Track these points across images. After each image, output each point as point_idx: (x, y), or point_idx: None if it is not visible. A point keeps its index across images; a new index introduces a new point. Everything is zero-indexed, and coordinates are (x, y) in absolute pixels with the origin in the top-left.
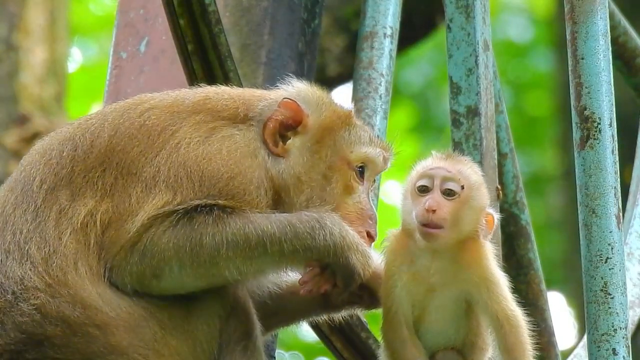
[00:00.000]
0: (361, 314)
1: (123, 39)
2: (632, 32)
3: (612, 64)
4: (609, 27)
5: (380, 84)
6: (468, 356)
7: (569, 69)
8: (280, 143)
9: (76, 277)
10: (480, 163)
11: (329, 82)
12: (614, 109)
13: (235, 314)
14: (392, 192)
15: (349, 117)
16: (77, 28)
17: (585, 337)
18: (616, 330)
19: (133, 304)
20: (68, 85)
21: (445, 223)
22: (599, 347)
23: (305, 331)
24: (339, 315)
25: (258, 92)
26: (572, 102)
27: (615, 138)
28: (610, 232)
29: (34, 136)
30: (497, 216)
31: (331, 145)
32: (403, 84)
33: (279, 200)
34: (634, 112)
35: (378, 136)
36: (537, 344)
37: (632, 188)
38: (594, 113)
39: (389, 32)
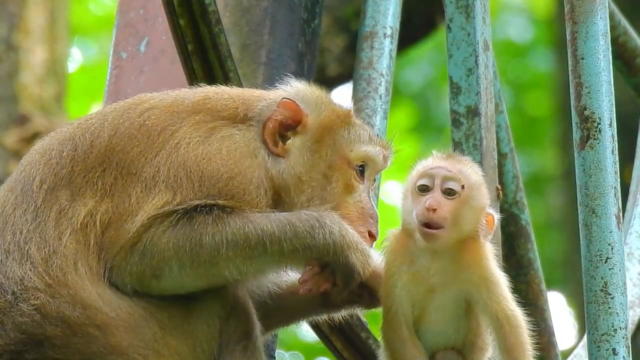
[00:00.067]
0: (361, 313)
1: (123, 39)
2: (632, 32)
3: (612, 64)
4: (609, 27)
5: (380, 84)
6: (468, 356)
7: (569, 69)
8: (280, 143)
9: (76, 277)
10: (480, 163)
11: (329, 82)
12: (614, 109)
13: (235, 314)
14: (392, 192)
15: (348, 116)
16: (77, 28)
17: (585, 337)
18: (616, 330)
19: (133, 304)
20: (68, 85)
21: (446, 222)
22: (599, 347)
23: (305, 331)
24: (339, 315)
25: (257, 92)
26: (572, 102)
27: (615, 138)
28: (610, 232)
29: (34, 136)
30: (497, 216)
31: (331, 145)
32: (403, 84)
33: (279, 200)
34: (634, 112)
35: (377, 135)
36: (537, 344)
37: (632, 188)
38: (594, 113)
39: (389, 32)
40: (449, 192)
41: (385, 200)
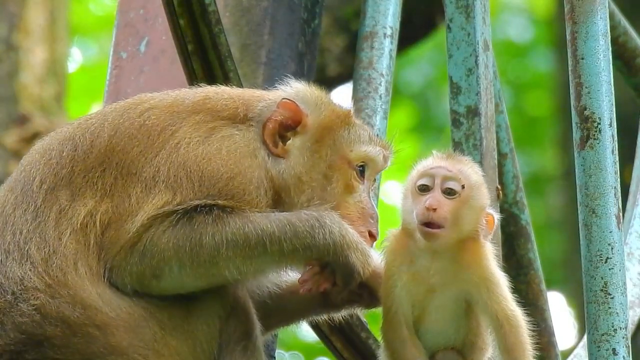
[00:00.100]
0: (361, 313)
1: (123, 39)
2: (632, 32)
3: (612, 64)
4: (609, 27)
5: (380, 84)
6: (468, 356)
7: (569, 69)
8: (280, 143)
9: (76, 277)
10: (480, 163)
11: (329, 82)
12: (614, 109)
13: (235, 314)
14: (392, 192)
15: (348, 116)
16: (77, 28)
17: (585, 337)
18: (616, 330)
19: (133, 304)
20: (68, 85)
21: (446, 222)
22: (599, 347)
23: (305, 331)
24: (339, 315)
25: (257, 93)
26: (572, 102)
27: (615, 138)
28: (610, 232)
29: (34, 136)
30: (497, 216)
31: (331, 145)
32: (403, 84)
33: (279, 201)
34: (634, 112)
35: (377, 135)
36: (537, 344)
37: (632, 188)
38: (594, 113)
39: (389, 32)
40: (449, 192)
41: (385, 200)
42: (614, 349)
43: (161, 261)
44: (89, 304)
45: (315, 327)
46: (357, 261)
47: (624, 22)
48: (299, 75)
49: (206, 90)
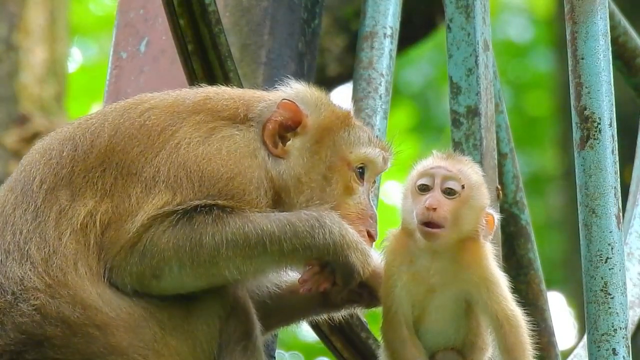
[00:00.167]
0: (361, 313)
1: (123, 39)
2: (632, 32)
3: (612, 64)
4: (609, 27)
5: (380, 84)
6: (468, 356)
7: (569, 69)
8: (280, 144)
9: (76, 277)
10: (480, 163)
11: (329, 82)
12: (614, 109)
13: (235, 314)
14: (392, 192)
15: (348, 117)
16: (77, 28)
17: (585, 337)
18: (616, 330)
19: (133, 304)
20: (68, 85)
21: (446, 222)
22: (599, 347)
23: (305, 331)
24: (339, 315)
25: (258, 93)
26: (572, 102)
27: (615, 138)
28: (610, 232)
29: (34, 136)
30: (497, 216)
31: (330, 146)
32: (403, 84)
33: (279, 201)
34: (634, 112)
35: (377, 136)
36: (537, 344)
37: (632, 188)
38: (594, 113)
39: (389, 32)
40: (449, 192)
41: (385, 200)
42: (614, 349)
43: (161, 261)
44: (89, 304)
45: (315, 327)
46: (357, 261)
47: (624, 22)
48: (299, 75)
49: (206, 91)
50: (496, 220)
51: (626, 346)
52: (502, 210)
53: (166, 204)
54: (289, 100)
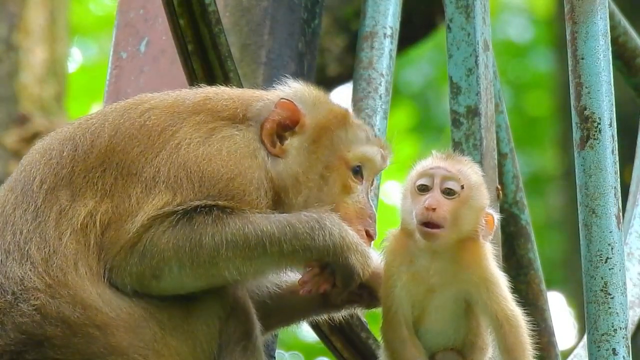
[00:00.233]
0: (361, 313)
1: (123, 39)
2: (632, 32)
3: (612, 64)
4: (609, 27)
5: (380, 84)
6: (468, 356)
7: (569, 69)
8: (278, 143)
9: (76, 277)
10: (480, 163)
11: (329, 82)
12: (614, 109)
13: (235, 315)
14: (392, 192)
15: (346, 116)
16: (77, 28)
17: (585, 337)
18: (616, 330)
19: (133, 304)
20: (68, 85)
21: (445, 222)
22: (599, 347)
23: (305, 331)
24: (339, 315)
25: (257, 93)
26: (572, 102)
27: (615, 138)
28: (610, 232)
29: (34, 136)
30: (497, 216)
31: (328, 145)
32: (403, 84)
33: (278, 201)
34: (634, 112)
35: (376, 135)
36: (537, 344)
37: (632, 188)
38: (594, 113)
39: (389, 32)
40: (448, 192)
41: (385, 200)
42: (614, 349)
43: (161, 261)
44: (89, 304)
45: (315, 327)
46: (357, 263)
47: (624, 22)
48: (299, 75)
49: (206, 91)
50: (496, 220)
51: (626, 346)
52: (502, 210)
53: (166, 205)
54: (286, 99)
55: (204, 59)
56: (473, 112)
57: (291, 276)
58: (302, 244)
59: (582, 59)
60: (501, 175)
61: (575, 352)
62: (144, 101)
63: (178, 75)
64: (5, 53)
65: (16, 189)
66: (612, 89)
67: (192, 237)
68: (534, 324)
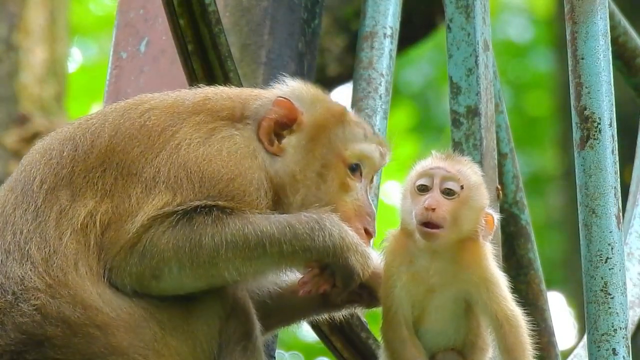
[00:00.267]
0: (361, 313)
1: (123, 39)
2: (632, 32)
3: (612, 64)
4: (609, 27)
5: (380, 84)
6: (468, 356)
7: (569, 69)
8: (276, 142)
9: (76, 277)
10: (480, 163)
11: (329, 82)
12: (614, 109)
13: (235, 315)
14: (392, 192)
15: (344, 114)
16: (77, 28)
17: (585, 337)
18: (616, 330)
19: (133, 304)
20: (68, 85)
21: (445, 222)
22: (599, 347)
23: (305, 331)
24: (339, 315)
25: (255, 92)
26: (572, 102)
27: (615, 138)
28: (610, 232)
29: (34, 136)
30: (497, 216)
31: (326, 143)
32: (403, 84)
33: (278, 201)
34: (634, 112)
35: (374, 132)
36: (537, 344)
37: (632, 188)
38: (594, 113)
39: (389, 32)
40: (448, 192)
41: (385, 200)
42: (614, 349)
43: (161, 262)
44: (89, 304)
45: (315, 327)
46: (357, 263)
47: (624, 22)
48: (299, 75)
49: (206, 91)
50: (496, 220)
51: (626, 346)
52: (502, 210)
53: (166, 205)
54: (284, 97)
55: (204, 59)
56: (473, 112)
57: (291, 276)
58: (302, 244)
59: (582, 59)
60: (501, 175)
61: (575, 352)
62: (144, 101)
63: (178, 75)
64: (5, 53)
65: (16, 189)
66: (612, 89)
67: (192, 238)
68: (534, 324)
